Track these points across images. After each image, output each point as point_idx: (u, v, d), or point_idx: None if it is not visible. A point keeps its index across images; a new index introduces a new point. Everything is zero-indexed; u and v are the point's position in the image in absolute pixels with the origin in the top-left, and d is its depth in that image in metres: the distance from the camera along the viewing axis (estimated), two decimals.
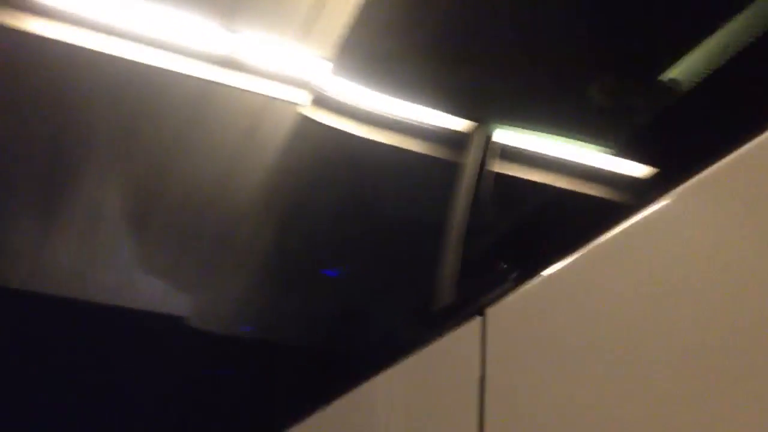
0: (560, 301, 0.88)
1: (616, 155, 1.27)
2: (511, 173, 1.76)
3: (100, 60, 1.97)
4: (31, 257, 2.84)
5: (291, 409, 1.83)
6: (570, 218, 1.14)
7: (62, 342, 3.13)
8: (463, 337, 1.06)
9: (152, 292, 3.00)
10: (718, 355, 0.64)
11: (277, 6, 1.91)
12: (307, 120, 2.09)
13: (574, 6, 1.64)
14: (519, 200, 1.73)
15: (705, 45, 1.23)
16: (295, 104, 2.07)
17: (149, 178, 2.54)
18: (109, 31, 1.93)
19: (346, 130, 2.03)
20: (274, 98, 2.06)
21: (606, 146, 1.39)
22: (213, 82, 2.02)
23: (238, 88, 2.04)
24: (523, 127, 1.77)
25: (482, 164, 1.77)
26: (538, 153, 1.71)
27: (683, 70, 1.28)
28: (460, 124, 1.94)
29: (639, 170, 1.14)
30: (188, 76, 2.02)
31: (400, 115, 2.01)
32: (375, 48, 1.96)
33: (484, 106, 1.91)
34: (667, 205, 0.74)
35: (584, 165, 1.46)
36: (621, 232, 0.79)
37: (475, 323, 1.04)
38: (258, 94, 2.06)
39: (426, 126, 1.99)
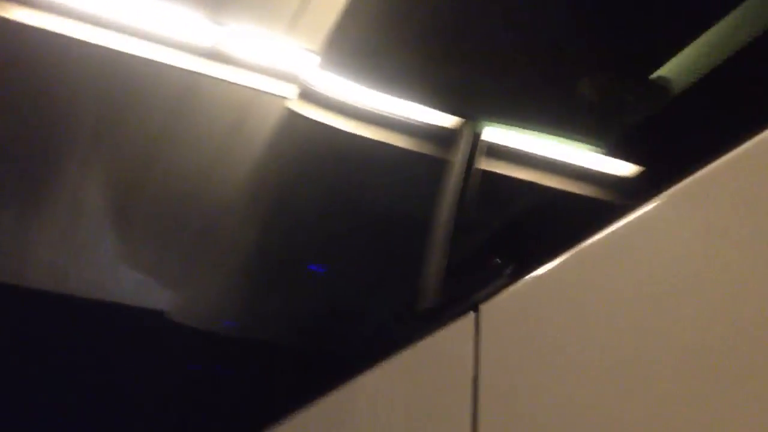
0: (556, 298, 0.88)
1: (606, 154, 1.26)
2: (499, 171, 1.75)
3: (84, 50, 1.94)
4: (12, 250, 2.80)
5: (275, 407, 1.81)
6: (566, 215, 1.14)
7: (42, 336, 3.09)
8: (457, 333, 1.05)
9: (134, 286, 2.97)
10: (714, 354, 0.65)
11: None
12: (293, 114, 2.06)
13: (565, 3, 1.63)
14: (506, 198, 1.73)
15: (696, 43, 1.23)
16: (282, 98, 2.05)
17: (132, 172, 2.51)
18: (94, 21, 1.89)
19: (334, 125, 2.02)
20: (261, 91, 2.03)
21: (596, 145, 1.38)
22: (199, 74, 1.99)
23: (225, 81, 2.01)
24: (512, 125, 1.77)
25: (470, 161, 1.76)
26: (526, 151, 1.70)
27: (674, 68, 1.28)
28: (448, 120, 1.93)
29: (630, 169, 1.13)
30: (174, 68, 1.99)
31: (388, 110, 1.99)
32: (363, 42, 1.94)
33: (473, 103, 1.90)
34: (662, 204, 0.74)
35: (574, 164, 1.46)
36: (618, 230, 0.79)
37: (469, 320, 1.03)
38: (244, 87, 2.03)
39: (414, 122, 1.98)
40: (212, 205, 2.58)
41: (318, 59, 1.96)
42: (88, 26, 1.89)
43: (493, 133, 1.79)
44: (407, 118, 1.98)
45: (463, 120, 1.88)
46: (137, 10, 1.89)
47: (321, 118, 2.03)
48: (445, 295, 1.38)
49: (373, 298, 2.15)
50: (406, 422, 1.16)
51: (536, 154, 1.67)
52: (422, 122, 1.97)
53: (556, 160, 1.57)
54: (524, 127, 1.72)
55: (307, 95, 2.01)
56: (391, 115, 1.99)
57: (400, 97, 1.98)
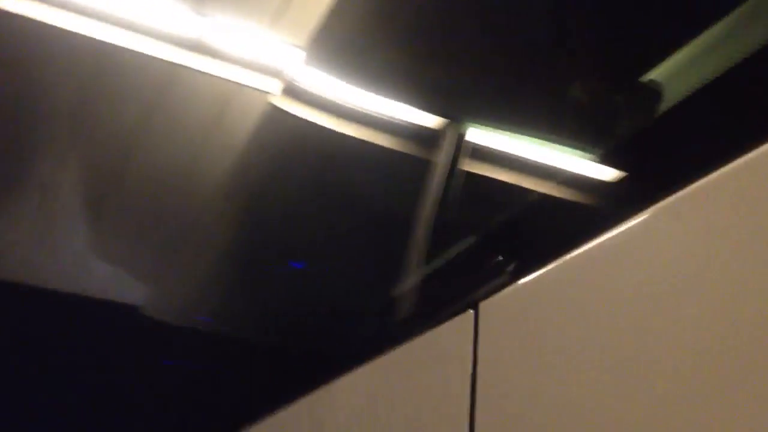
0: (555, 297, 0.88)
1: (595, 160, 1.26)
2: (483, 173, 1.75)
3: (61, 37, 1.89)
4: None
5: (252, 405, 1.79)
6: (567, 216, 1.13)
7: (12, 328, 3.03)
8: (456, 331, 1.04)
9: (107, 280, 2.91)
10: (714, 355, 0.65)
11: None
12: (276, 109, 2.04)
13: (554, 5, 1.63)
14: (490, 200, 1.72)
15: (688, 47, 1.24)
16: (265, 92, 2.02)
17: (108, 163, 2.46)
18: (71, 8, 1.84)
19: (317, 121, 1.99)
20: (244, 85, 2.00)
21: (585, 150, 1.38)
22: (180, 65, 1.95)
23: (206, 74, 1.97)
24: (497, 127, 1.76)
25: (453, 162, 1.76)
26: (510, 153, 1.70)
27: (665, 71, 1.28)
28: (432, 120, 1.92)
29: (618, 176, 1.13)
30: (154, 59, 1.94)
31: (372, 108, 1.98)
32: (349, 39, 1.92)
33: (457, 104, 1.90)
34: (663, 207, 0.75)
35: (562, 168, 1.46)
36: (618, 232, 0.80)
37: (468, 317, 1.02)
38: (227, 80, 2.00)
39: (398, 121, 1.96)
40: (189, 200, 2.54)
41: (303, 55, 1.94)
42: (65, 12, 1.84)
43: (479, 135, 1.78)
44: (391, 117, 1.97)
45: (447, 120, 1.88)
46: None
47: (304, 115, 2.00)
48: (445, 291, 1.36)
49: (353, 296, 2.13)
50: (404, 419, 1.15)
51: (520, 157, 1.67)
52: (406, 121, 1.96)
53: (542, 163, 1.57)
54: (510, 130, 1.72)
55: (291, 91, 1.99)
56: (375, 114, 1.98)
57: (385, 95, 1.97)
